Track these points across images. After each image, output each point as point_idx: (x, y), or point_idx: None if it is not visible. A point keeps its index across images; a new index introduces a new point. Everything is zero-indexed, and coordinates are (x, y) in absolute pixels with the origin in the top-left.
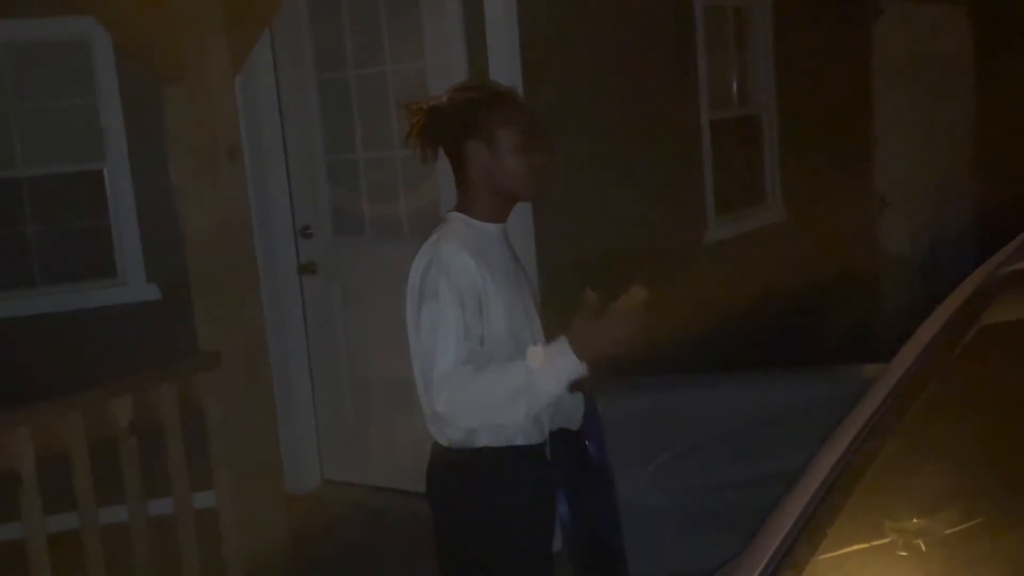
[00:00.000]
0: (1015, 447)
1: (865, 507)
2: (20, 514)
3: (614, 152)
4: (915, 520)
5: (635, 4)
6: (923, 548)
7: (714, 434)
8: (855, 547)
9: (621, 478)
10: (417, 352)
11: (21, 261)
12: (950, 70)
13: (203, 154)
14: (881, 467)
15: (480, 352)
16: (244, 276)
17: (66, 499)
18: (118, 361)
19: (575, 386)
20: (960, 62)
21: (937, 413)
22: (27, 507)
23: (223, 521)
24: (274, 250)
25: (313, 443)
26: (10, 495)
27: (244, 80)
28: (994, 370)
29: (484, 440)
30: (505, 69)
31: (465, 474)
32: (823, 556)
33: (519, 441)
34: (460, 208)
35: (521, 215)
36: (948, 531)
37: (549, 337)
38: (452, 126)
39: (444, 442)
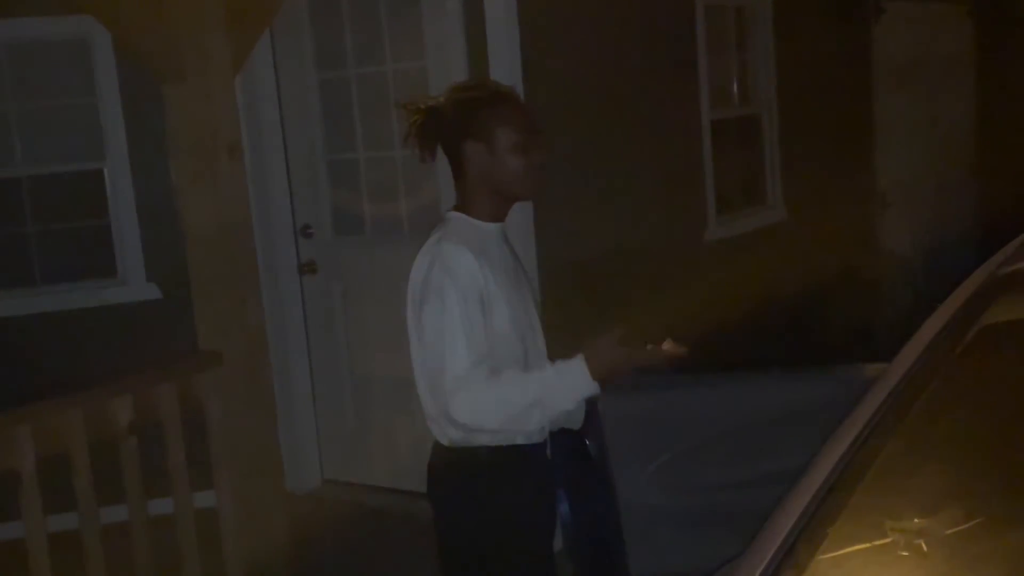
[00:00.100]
0: (1016, 447)
1: (866, 507)
2: (20, 513)
3: (614, 151)
4: (916, 520)
5: (636, 4)
6: (924, 548)
7: (714, 434)
8: (856, 547)
9: (621, 478)
10: (421, 353)
11: (21, 260)
12: (951, 69)
13: (203, 153)
14: (882, 467)
15: (488, 356)
16: (244, 275)
17: (66, 499)
18: (118, 360)
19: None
20: (961, 61)
21: (938, 413)
22: (27, 507)
23: (223, 521)
24: (274, 249)
25: (313, 443)
26: (10, 494)
27: (244, 79)
28: (995, 370)
29: (485, 439)
30: (505, 69)
31: (466, 473)
32: (824, 556)
33: (520, 440)
34: (459, 208)
35: (521, 214)
36: (949, 531)
37: (548, 337)
38: (451, 126)
39: (445, 442)
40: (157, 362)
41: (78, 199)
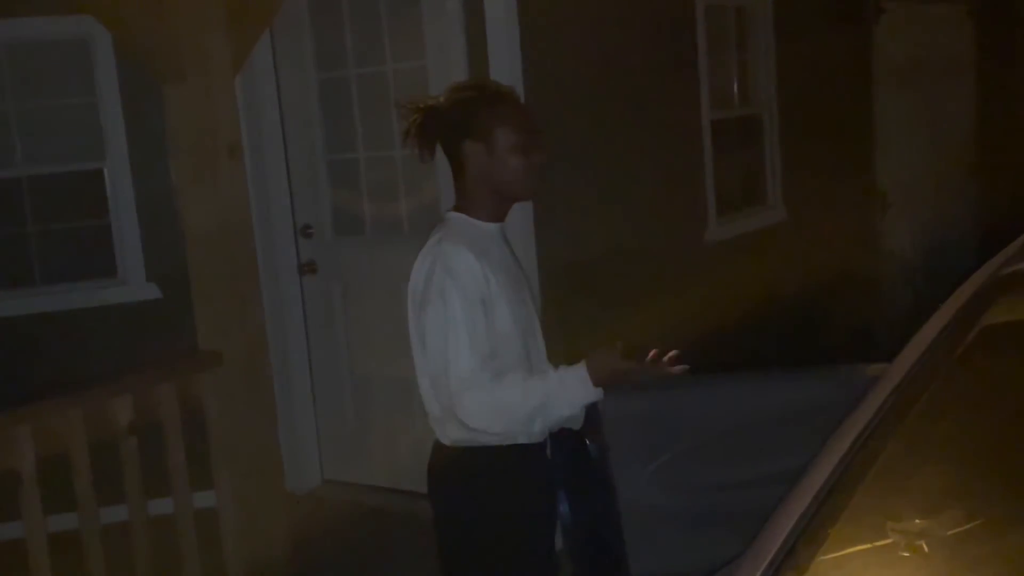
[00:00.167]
0: (1017, 448)
1: (867, 508)
2: (20, 514)
3: (615, 152)
4: (917, 521)
5: (636, 4)
6: (925, 549)
7: (715, 434)
8: (857, 548)
9: (621, 478)
10: (423, 354)
11: (21, 260)
12: (951, 70)
13: (203, 153)
14: (883, 468)
15: (492, 356)
16: (244, 275)
17: (66, 499)
18: (118, 360)
19: None
20: (961, 62)
21: (939, 414)
22: (27, 506)
23: (223, 521)
24: (274, 249)
25: (313, 443)
26: (10, 494)
27: (244, 79)
28: (996, 371)
29: (486, 440)
30: (505, 69)
31: (467, 473)
32: (825, 557)
33: (521, 440)
34: (459, 208)
35: (521, 215)
36: (950, 532)
37: (548, 337)
38: (451, 126)
39: (447, 441)
40: (157, 362)
41: (78, 199)
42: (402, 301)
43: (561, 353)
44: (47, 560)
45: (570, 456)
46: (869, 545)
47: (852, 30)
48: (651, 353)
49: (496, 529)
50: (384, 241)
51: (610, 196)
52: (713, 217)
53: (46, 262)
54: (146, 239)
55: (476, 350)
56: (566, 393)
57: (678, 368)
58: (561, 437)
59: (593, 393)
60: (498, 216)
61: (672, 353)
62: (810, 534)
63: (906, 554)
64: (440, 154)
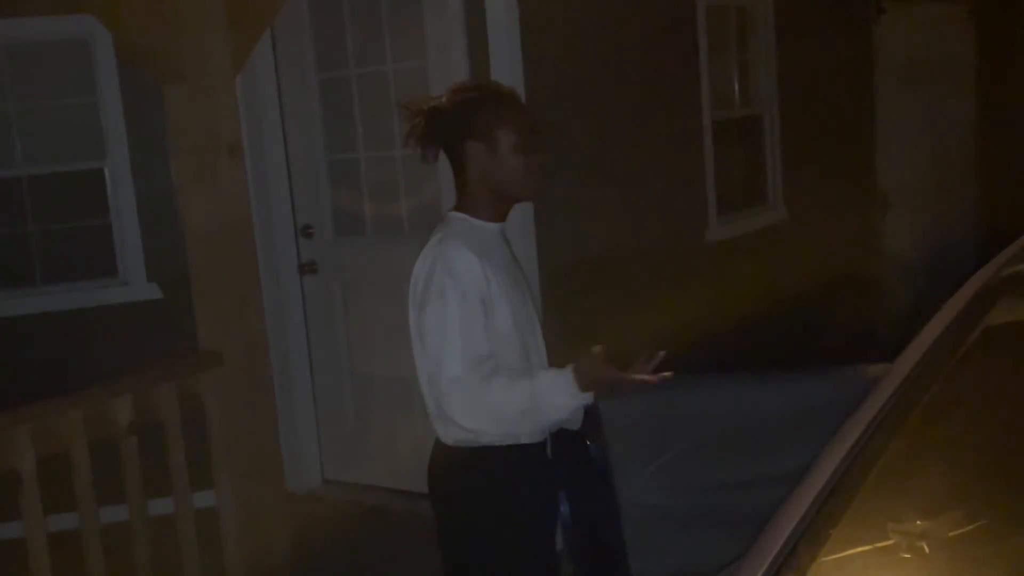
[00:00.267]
0: (1019, 449)
1: (868, 509)
2: (20, 513)
3: (615, 152)
4: (919, 522)
5: (637, 4)
6: (927, 550)
7: (715, 434)
8: (858, 549)
9: (622, 478)
10: (422, 352)
11: (22, 260)
12: (952, 70)
13: (204, 153)
14: (884, 469)
15: (487, 358)
16: (245, 275)
17: (66, 498)
18: (119, 360)
19: None
20: (962, 62)
21: (940, 415)
22: (27, 506)
23: (223, 520)
24: (275, 249)
25: (314, 442)
26: (10, 494)
27: (245, 79)
28: (997, 372)
29: (488, 439)
30: (506, 69)
31: (468, 473)
32: (826, 558)
33: (522, 440)
34: (460, 208)
35: (522, 215)
36: (952, 533)
37: (548, 337)
38: (452, 126)
39: (450, 441)
40: (157, 362)
41: (79, 199)
42: (403, 301)
43: (561, 353)
44: (47, 560)
45: (570, 456)
46: (870, 546)
47: (853, 30)
48: (641, 357)
49: (497, 529)
50: (385, 241)
51: (611, 196)
52: (714, 217)
53: (47, 262)
54: (146, 239)
55: (469, 352)
56: (552, 397)
57: (660, 376)
58: (561, 437)
59: (579, 398)
60: (499, 216)
61: (658, 356)
62: (811, 535)
63: (907, 555)
64: (441, 154)
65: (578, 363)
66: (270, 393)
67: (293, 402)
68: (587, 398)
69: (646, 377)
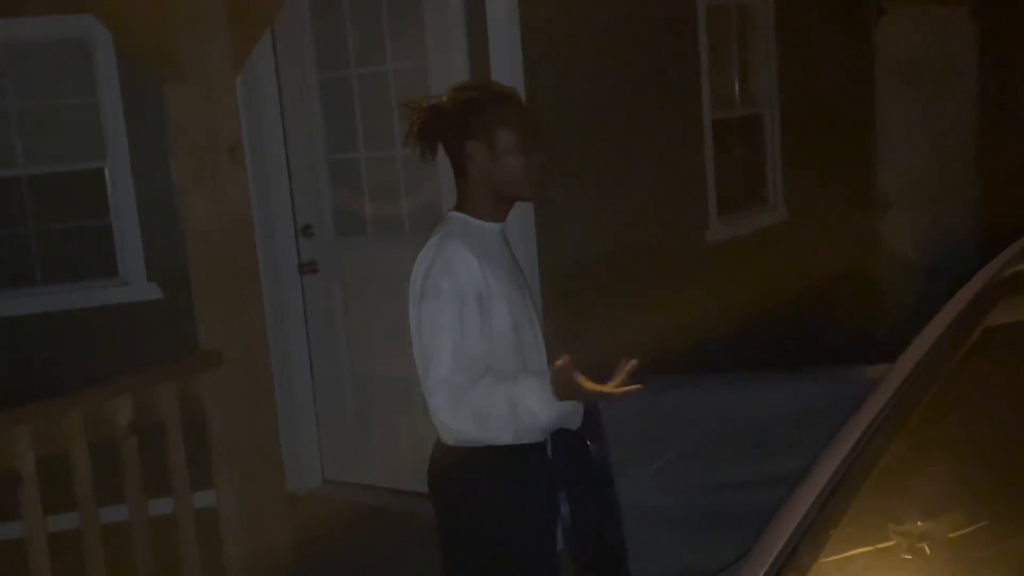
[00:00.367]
0: (1019, 449)
1: (869, 510)
2: (20, 513)
3: (616, 152)
4: (919, 523)
5: (637, 4)
6: (927, 551)
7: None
8: (859, 550)
9: (622, 478)
10: (418, 350)
11: (22, 260)
12: (953, 70)
13: (204, 153)
14: (885, 470)
15: (479, 359)
16: (245, 275)
17: (66, 498)
18: (119, 360)
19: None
20: (963, 63)
21: (941, 416)
22: (27, 506)
23: (223, 520)
24: (275, 249)
25: (314, 442)
26: (10, 494)
27: (245, 79)
28: (998, 372)
29: (471, 439)
30: (507, 69)
31: (468, 473)
32: (827, 559)
33: (523, 440)
34: (460, 208)
35: (522, 215)
36: (952, 534)
37: (548, 338)
38: (452, 126)
39: (449, 441)
40: (158, 362)
41: (79, 199)
42: (403, 301)
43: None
44: (47, 560)
45: (571, 456)
46: (871, 547)
47: (853, 30)
48: (619, 367)
49: (497, 529)
50: (385, 241)
51: (611, 196)
52: (714, 217)
53: (47, 262)
54: (147, 239)
55: (459, 353)
56: (530, 403)
57: (632, 388)
58: (562, 437)
59: (555, 406)
60: (499, 216)
61: (631, 363)
62: (812, 536)
63: (908, 556)
64: (441, 154)
65: (555, 372)
66: (270, 393)
67: (293, 402)
68: (563, 407)
69: (614, 391)
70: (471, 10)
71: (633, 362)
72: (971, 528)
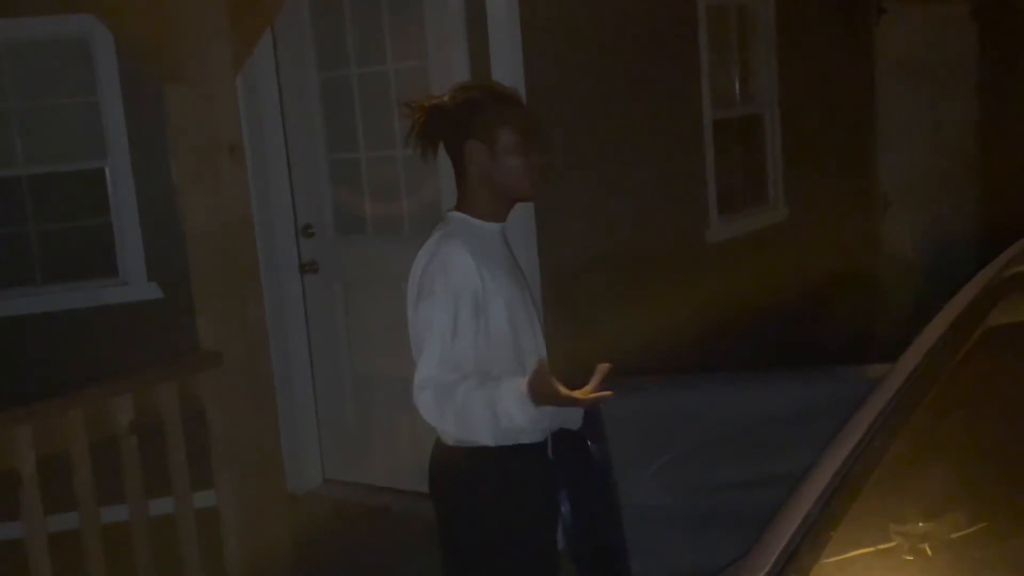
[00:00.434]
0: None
1: (870, 510)
2: (20, 513)
3: (616, 151)
4: (921, 524)
5: (638, 3)
6: (929, 552)
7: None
8: (860, 551)
9: (623, 478)
10: (414, 349)
11: (22, 260)
12: (954, 70)
13: (204, 153)
14: (886, 470)
15: (469, 360)
16: (245, 275)
17: (67, 498)
18: (119, 360)
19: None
20: (964, 62)
21: (942, 416)
22: (27, 506)
23: (224, 520)
24: (275, 249)
25: (314, 442)
26: (10, 494)
27: (246, 78)
28: (999, 373)
29: (452, 439)
30: (507, 68)
31: (468, 472)
32: (828, 560)
33: (521, 440)
34: (460, 208)
35: (523, 215)
36: (954, 535)
37: (549, 338)
38: (453, 125)
39: (449, 441)
40: (158, 362)
41: (79, 198)
42: (403, 301)
43: (563, 354)
44: (47, 560)
45: (571, 456)
46: (872, 548)
47: (854, 30)
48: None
49: (497, 529)
50: (385, 241)
51: (611, 196)
52: (715, 217)
53: (47, 262)
54: (147, 239)
55: (448, 355)
56: (507, 406)
57: (604, 395)
58: (562, 437)
59: (531, 411)
60: (499, 216)
61: (604, 367)
62: (813, 536)
63: (909, 557)
64: (442, 154)
65: (532, 377)
66: (270, 393)
67: (294, 402)
68: (539, 411)
69: (586, 396)
70: (471, 10)
71: (606, 366)
72: (972, 529)
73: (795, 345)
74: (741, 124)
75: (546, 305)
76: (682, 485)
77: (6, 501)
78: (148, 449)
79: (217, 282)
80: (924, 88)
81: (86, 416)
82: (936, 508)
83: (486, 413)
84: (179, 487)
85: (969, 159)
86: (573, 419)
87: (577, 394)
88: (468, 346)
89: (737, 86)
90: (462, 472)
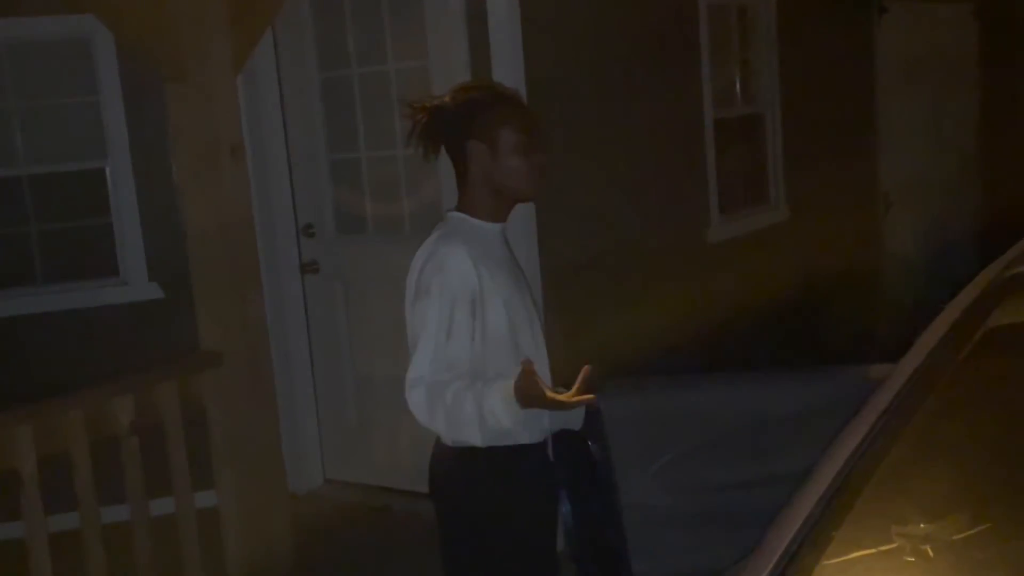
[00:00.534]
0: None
1: (872, 511)
2: (21, 513)
3: (617, 151)
4: (922, 525)
5: (639, 3)
6: (930, 554)
7: (718, 434)
8: (862, 552)
9: (624, 478)
10: (411, 348)
11: (23, 260)
12: (955, 69)
13: (205, 152)
14: (888, 471)
15: (463, 361)
16: (246, 275)
17: (67, 498)
18: (120, 360)
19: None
20: (965, 62)
21: (944, 417)
22: (28, 506)
23: (225, 520)
24: (276, 249)
25: (315, 442)
26: (11, 494)
27: (246, 78)
28: (1001, 373)
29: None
30: (508, 68)
31: (468, 473)
32: (829, 561)
33: (521, 440)
34: (460, 207)
35: (524, 214)
36: (956, 536)
37: (550, 338)
38: (454, 125)
39: (449, 441)
40: (159, 362)
41: (80, 198)
42: (404, 301)
43: (563, 354)
44: (48, 560)
45: (572, 456)
46: (874, 550)
47: (855, 29)
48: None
49: (497, 529)
50: (386, 241)
51: (612, 196)
52: (715, 216)
53: (48, 262)
54: (148, 239)
55: (441, 355)
56: (494, 406)
57: (586, 398)
58: (563, 438)
59: (517, 412)
60: (499, 216)
61: (586, 370)
62: (814, 538)
63: (911, 559)
64: (443, 153)
65: (518, 379)
66: (271, 393)
67: (294, 402)
68: (526, 413)
69: (569, 400)
70: (472, 9)
71: (588, 368)
72: (975, 530)
73: (796, 345)
74: (742, 124)
75: (546, 305)
76: (683, 485)
77: (7, 501)
78: (149, 449)
79: (218, 282)
80: (925, 88)
81: (87, 416)
82: (938, 509)
83: (474, 413)
84: (180, 487)
85: (970, 159)
86: (574, 419)
87: (562, 397)
88: (463, 347)
89: (738, 86)
90: (462, 473)
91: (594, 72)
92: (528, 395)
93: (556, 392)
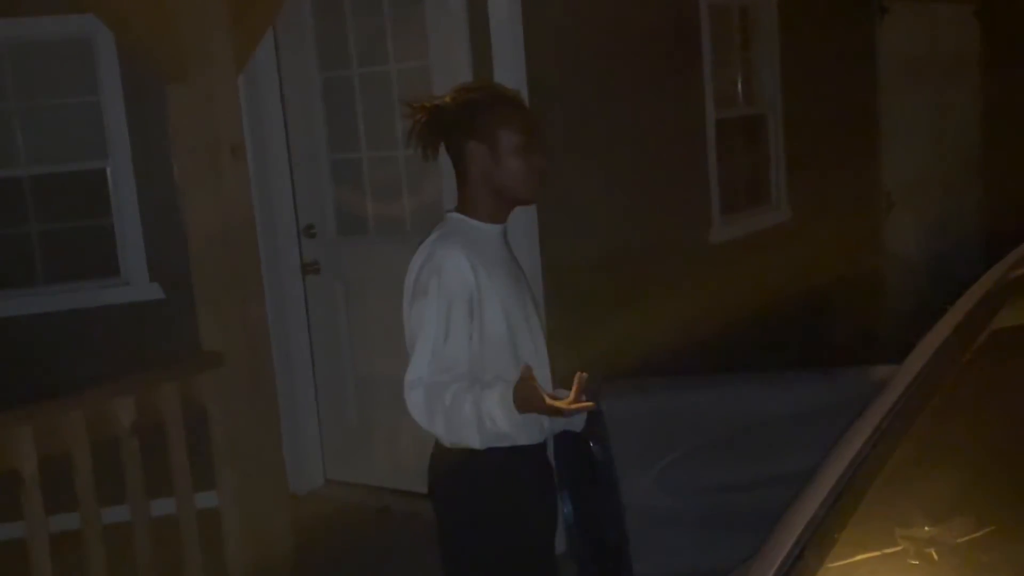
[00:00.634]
0: None
1: (876, 514)
2: (22, 514)
3: (619, 152)
4: (927, 528)
5: (640, 4)
6: (935, 557)
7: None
8: (866, 555)
9: (625, 479)
10: (409, 349)
11: (23, 260)
12: (957, 69)
13: (206, 153)
14: (892, 473)
15: (461, 362)
16: (247, 275)
17: (68, 499)
18: (121, 361)
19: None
20: (967, 62)
21: (948, 418)
22: (29, 507)
23: (225, 521)
24: (277, 249)
25: (316, 443)
26: (12, 495)
27: (247, 78)
28: (1005, 375)
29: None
30: (509, 69)
31: (468, 474)
32: (833, 564)
33: (520, 441)
34: (460, 208)
35: (525, 215)
36: (960, 539)
37: (552, 338)
38: (454, 126)
39: (447, 442)
40: (159, 362)
41: (81, 199)
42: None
43: (565, 355)
44: (48, 560)
45: (574, 457)
46: (878, 552)
47: (856, 29)
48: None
49: (497, 530)
50: (387, 241)
51: (614, 196)
52: (717, 217)
53: (48, 262)
54: (149, 239)
55: (439, 356)
56: (492, 410)
57: (584, 405)
58: (565, 439)
59: (514, 417)
60: (499, 218)
61: (581, 376)
62: (818, 540)
63: (915, 562)
64: (443, 154)
65: (517, 383)
66: (272, 393)
67: (295, 402)
68: (523, 418)
69: (566, 406)
70: (473, 10)
71: (583, 375)
72: (979, 533)
73: (798, 346)
74: (744, 124)
75: (547, 305)
76: (684, 486)
77: (7, 501)
78: (150, 450)
79: (219, 282)
80: (927, 88)
81: (87, 416)
82: (942, 512)
83: (472, 416)
84: (181, 488)
85: (972, 158)
86: (576, 420)
87: (559, 404)
88: (461, 348)
89: (740, 86)
90: (461, 474)
91: (596, 73)
92: (526, 401)
93: (555, 396)
